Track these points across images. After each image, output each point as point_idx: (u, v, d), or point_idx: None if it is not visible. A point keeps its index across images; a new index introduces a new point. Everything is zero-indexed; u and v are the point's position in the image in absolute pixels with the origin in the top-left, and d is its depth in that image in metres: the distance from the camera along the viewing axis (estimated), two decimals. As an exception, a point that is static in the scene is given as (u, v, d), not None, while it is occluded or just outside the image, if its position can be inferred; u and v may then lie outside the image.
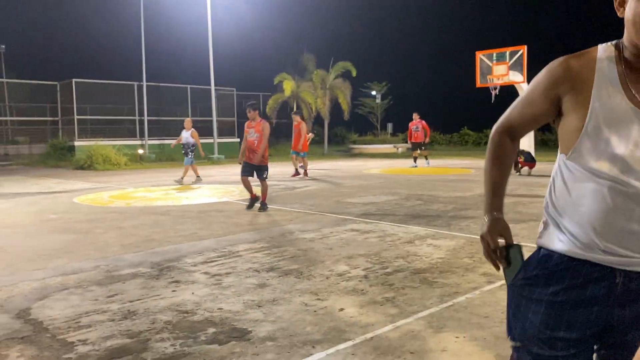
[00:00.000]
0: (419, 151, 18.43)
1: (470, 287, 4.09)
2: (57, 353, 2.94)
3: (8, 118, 24.87)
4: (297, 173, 14.78)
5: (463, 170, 16.52)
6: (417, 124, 18.34)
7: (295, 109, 29.90)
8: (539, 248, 1.45)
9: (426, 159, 18.54)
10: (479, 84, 22.07)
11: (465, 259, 5.00)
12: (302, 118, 15.82)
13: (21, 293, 4.07)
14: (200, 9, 23.22)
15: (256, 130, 8.29)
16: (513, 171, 14.95)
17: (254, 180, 8.42)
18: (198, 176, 13.23)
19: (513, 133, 1.52)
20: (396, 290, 4.02)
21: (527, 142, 20.61)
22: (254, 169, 8.32)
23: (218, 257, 5.13)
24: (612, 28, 1.43)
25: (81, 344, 3.06)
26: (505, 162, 1.52)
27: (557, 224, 1.38)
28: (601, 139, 1.27)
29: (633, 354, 0.52)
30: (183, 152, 13.16)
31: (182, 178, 13.03)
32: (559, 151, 1.41)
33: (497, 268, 1.50)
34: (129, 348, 2.99)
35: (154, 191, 11.30)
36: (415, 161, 18.39)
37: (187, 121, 13.30)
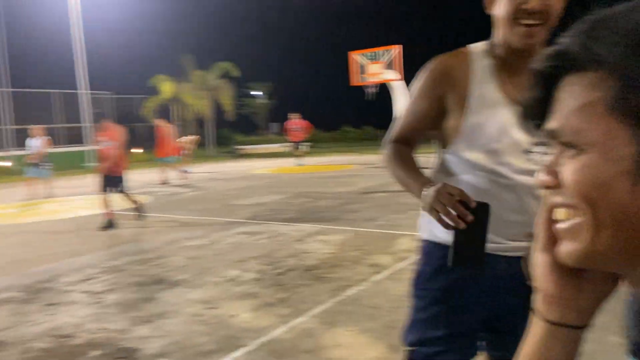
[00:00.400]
0: (301, 149, 18.54)
1: (359, 279, 4.21)
2: None
3: None
4: (184, 172, 14.49)
5: (346, 166, 17.03)
6: (296, 125, 18.42)
7: (175, 112, 29.01)
8: (422, 242, 1.48)
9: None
10: (353, 82, 22.89)
11: (354, 252, 5.14)
12: (168, 121, 14.89)
13: None
14: (63, 15, 21.60)
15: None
16: None
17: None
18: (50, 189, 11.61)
19: (405, 141, 1.48)
20: (289, 290, 4.03)
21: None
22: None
23: (98, 274, 4.81)
24: (484, 29, 1.49)
25: (-61, 387, 2.70)
26: (406, 160, 1.43)
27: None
28: (476, 129, 1.33)
29: (519, 340, 0.54)
30: (36, 162, 11.48)
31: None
32: (438, 150, 1.46)
33: (458, 224, 1.16)
34: (-2, 384, 2.69)
35: (22, 207, 10.33)
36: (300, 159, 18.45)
37: (36, 129, 11.54)
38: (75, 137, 25.01)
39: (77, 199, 11.25)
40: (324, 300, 3.75)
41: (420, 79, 1.43)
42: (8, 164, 21.58)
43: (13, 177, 20.05)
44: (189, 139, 18.71)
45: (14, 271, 5.09)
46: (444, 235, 1.32)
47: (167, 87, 27.82)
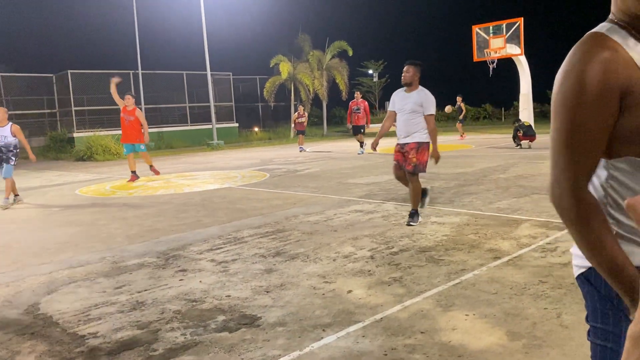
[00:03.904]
0: (361, 135, 15.94)
1: (477, 263, 4.09)
2: (68, 347, 2.94)
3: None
4: (135, 177, 11.00)
5: (463, 146, 16.47)
6: (358, 104, 15.98)
7: (292, 92, 29.78)
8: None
9: (361, 145, 15.85)
10: (476, 58, 21.90)
11: (471, 235, 5.00)
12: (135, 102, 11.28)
13: (29, 288, 4.08)
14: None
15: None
16: (513, 144, 14.89)
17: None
18: (17, 195, 8.85)
19: (588, 180, 1.13)
20: (403, 270, 4.02)
21: (527, 115, 20.52)
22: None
23: (223, 244, 5.13)
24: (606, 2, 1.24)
25: (92, 337, 3.07)
26: (609, 234, 1.09)
27: (631, 238, 1.13)
28: None
29: None
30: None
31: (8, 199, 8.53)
32: (601, 162, 1.15)
33: None
34: (139, 339, 2.99)
35: (155, 180, 11.28)
36: (362, 146, 15.85)
37: (1, 110, 8.35)
38: (201, 116, 26.71)
39: (203, 174, 12.04)
40: (440, 282, 3.70)
41: (581, 89, 1.07)
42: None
43: (148, 152, 21.92)
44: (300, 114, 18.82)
45: (150, 239, 5.60)
46: None
47: (284, 68, 28.59)
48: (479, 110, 37.10)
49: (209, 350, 2.79)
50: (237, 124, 28.16)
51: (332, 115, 33.97)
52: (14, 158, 8.49)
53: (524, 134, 14.49)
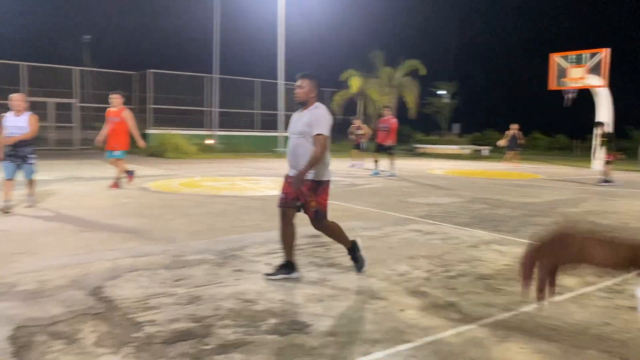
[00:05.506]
0: (378, 154, 14.64)
1: (538, 297, 3.93)
2: (126, 331, 3.07)
3: (86, 104, 26.19)
4: (131, 176, 10.10)
5: (532, 175, 15.92)
6: (385, 122, 14.50)
7: (362, 106, 29.84)
8: None
9: (391, 164, 14.26)
10: (552, 86, 21.18)
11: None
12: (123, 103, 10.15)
13: (95, 272, 4.29)
14: (272, 5, 23.53)
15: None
16: (585, 178, 14.23)
17: None
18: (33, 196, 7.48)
19: None
20: (459, 295, 3.93)
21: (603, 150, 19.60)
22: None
23: (280, 249, 5.19)
24: None
25: (149, 324, 3.19)
26: None
27: None
28: None
29: None
30: (11, 153, 7.10)
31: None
32: None
33: None
34: (193, 332, 3.08)
35: (220, 181, 11.61)
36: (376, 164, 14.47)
37: (17, 98, 7.21)
38: (270, 123, 27.27)
39: (265, 180, 12.26)
40: (497, 312, 3.59)
41: None
42: (212, 142, 24.43)
43: (216, 154, 22.60)
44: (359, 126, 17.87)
45: (210, 237, 5.76)
46: None
47: (355, 82, 28.75)
48: (551, 140, 35.75)
49: (259, 351, 2.83)
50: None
51: (399, 133, 33.70)
52: (32, 156, 7.23)
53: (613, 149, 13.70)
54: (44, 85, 23.96)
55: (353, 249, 4.52)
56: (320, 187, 4.29)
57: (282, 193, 4.35)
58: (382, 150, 14.51)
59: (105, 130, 9.79)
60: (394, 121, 14.54)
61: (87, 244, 5.27)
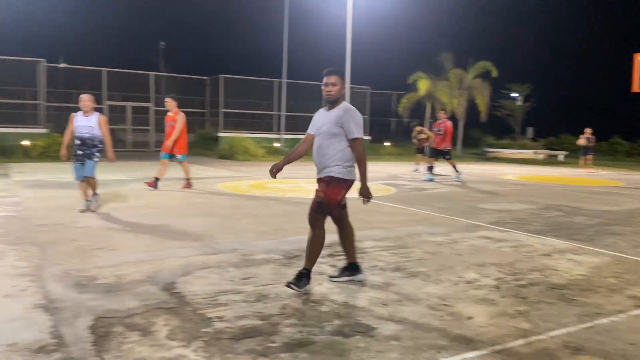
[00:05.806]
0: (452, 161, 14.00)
1: (615, 309, 3.73)
2: (196, 326, 3.20)
3: (161, 108, 27.36)
4: (188, 184, 10.26)
5: (611, 182, 15.07)
6: (440, 126, 13.96)
7: (438, 110, 29.34)
8: None
9: (455, 169, 13.84)
10: (635, 88, 19.98)
11: (611, 278, 4.57)
12: (178, 106, 10.08)
13: (168, 268, 4.49)
14: (340, 9, 23.64)
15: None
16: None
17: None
18: (95, 193, 7.49)
19: None
20: (530, 305, 3.79)
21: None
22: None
23: (343, 252, 5.21)
24: None
25: (218, 320, 3.30)
26: None
27: None
28: None
29: None
30: (79, 152, 7.21)
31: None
32: None
33: None
34: (260, 329, 3.16)
35: (286, 183, 11.80)
36: (431, 170, 13.98)
37: (87, 98, 7.27)
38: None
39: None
40: (570, 323, 3.43)
41: None
42: (279, 144, 24.88)
43: (282, 156, 22.98)
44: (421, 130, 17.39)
45: (277, 237, 5.87)
46: None
47: (423, 85, 28.34)
48: (632, 145, 33.67)
49: (323, 352, 2.86)
50: (369, 137, 28.47)
51: (468, 137, 32.86)
52: (97, 154, 7.32)
53: None
54: (123, 90, 25.32)
55: (352, 268, 4.34)
56: (335, 182, 4.05)
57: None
58: (437, 154, 14.09)
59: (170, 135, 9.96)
60: (449, 124, 13.91)
61: (161, 241, 5.52)
